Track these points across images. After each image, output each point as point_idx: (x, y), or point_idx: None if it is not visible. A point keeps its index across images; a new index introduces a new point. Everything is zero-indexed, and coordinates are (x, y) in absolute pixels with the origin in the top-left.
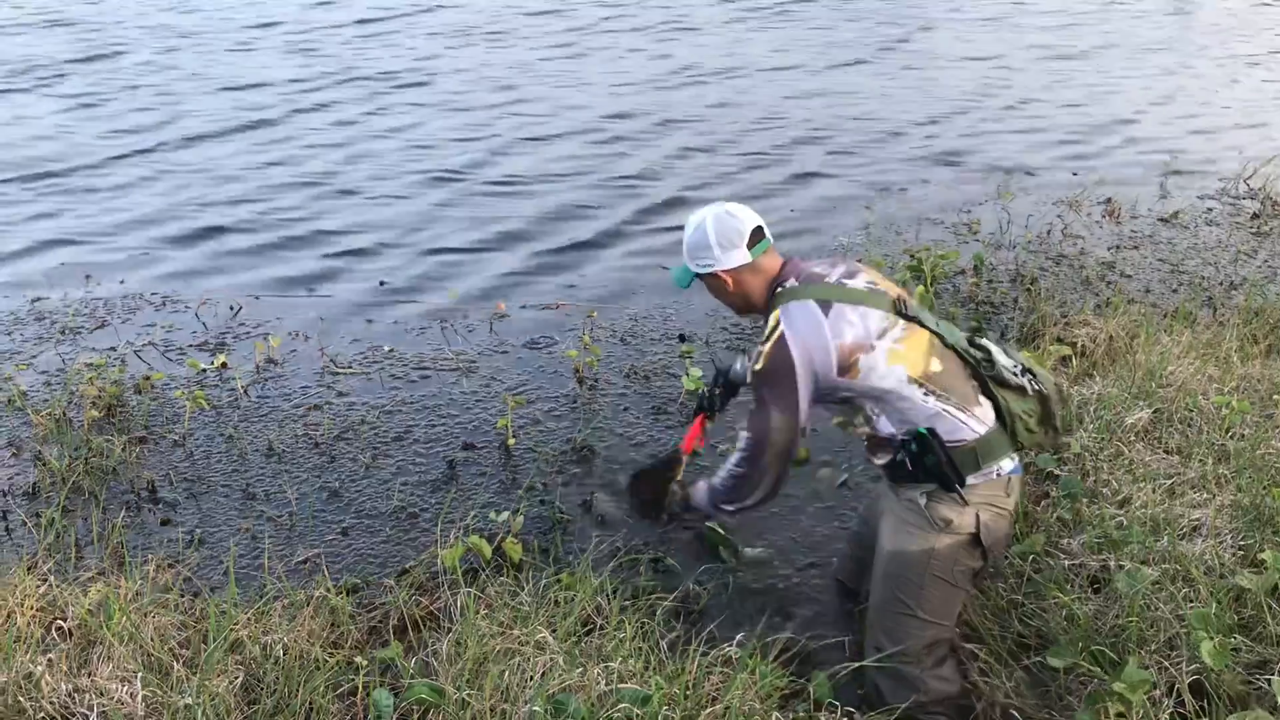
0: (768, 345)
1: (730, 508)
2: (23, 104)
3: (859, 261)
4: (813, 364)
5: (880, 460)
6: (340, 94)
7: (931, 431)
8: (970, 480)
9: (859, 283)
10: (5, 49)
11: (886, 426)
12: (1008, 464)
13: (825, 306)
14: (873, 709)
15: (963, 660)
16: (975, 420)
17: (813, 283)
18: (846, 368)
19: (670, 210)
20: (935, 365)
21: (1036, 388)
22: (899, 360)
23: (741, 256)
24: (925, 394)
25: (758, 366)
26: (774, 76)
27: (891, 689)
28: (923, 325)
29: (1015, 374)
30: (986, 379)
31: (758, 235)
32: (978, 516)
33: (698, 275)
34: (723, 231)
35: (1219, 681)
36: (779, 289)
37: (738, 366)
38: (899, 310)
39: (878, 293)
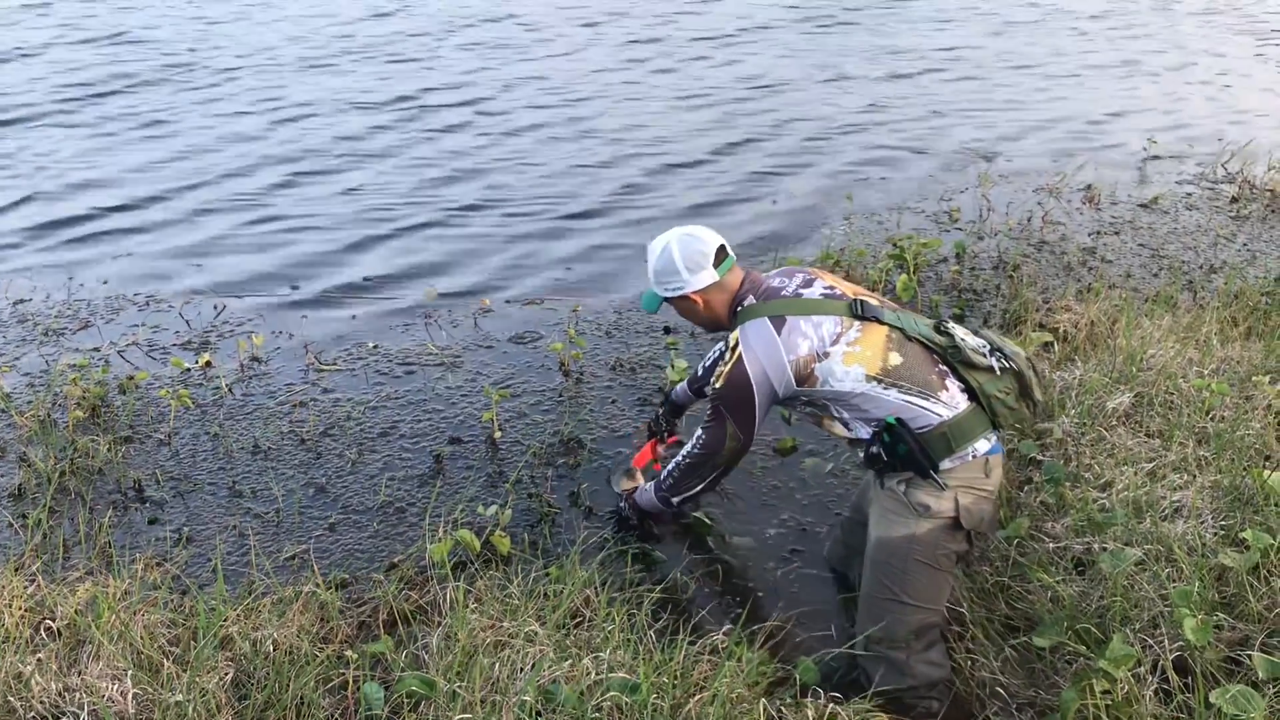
0: (727, 367)
1: (676, 498)
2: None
3: (817, 266)
4: (770, 382)
5: (859, 453)
6: (318, 86)
7: (900, 421)
8: (945, 465)
9: (815, 291)
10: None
11: (855, 424)
12: (983, 445)
13: (779, 323)
14: (862, 694)
15: (951, 644)
16: (941, 405)
17: (770, 298)
18: (804, 378)
19: (652, 204)
20: (894, 359)
21: (1005, 365)
22: (855, 361)
23: (710, 276)
24: (886, 388)
25: (718, 385)
26: (751, 70)
27: (880, 674)
28: (881, 322)
29: (983, 354)
30: (955, 363)
31: (722, 254)
32: (956, 500)
33: (666, 299)
34: (688, 255)
35: (1201, 658)
36: (739, 308)
37: (678, 390)
38: (854, 312)
39: (833, 298)
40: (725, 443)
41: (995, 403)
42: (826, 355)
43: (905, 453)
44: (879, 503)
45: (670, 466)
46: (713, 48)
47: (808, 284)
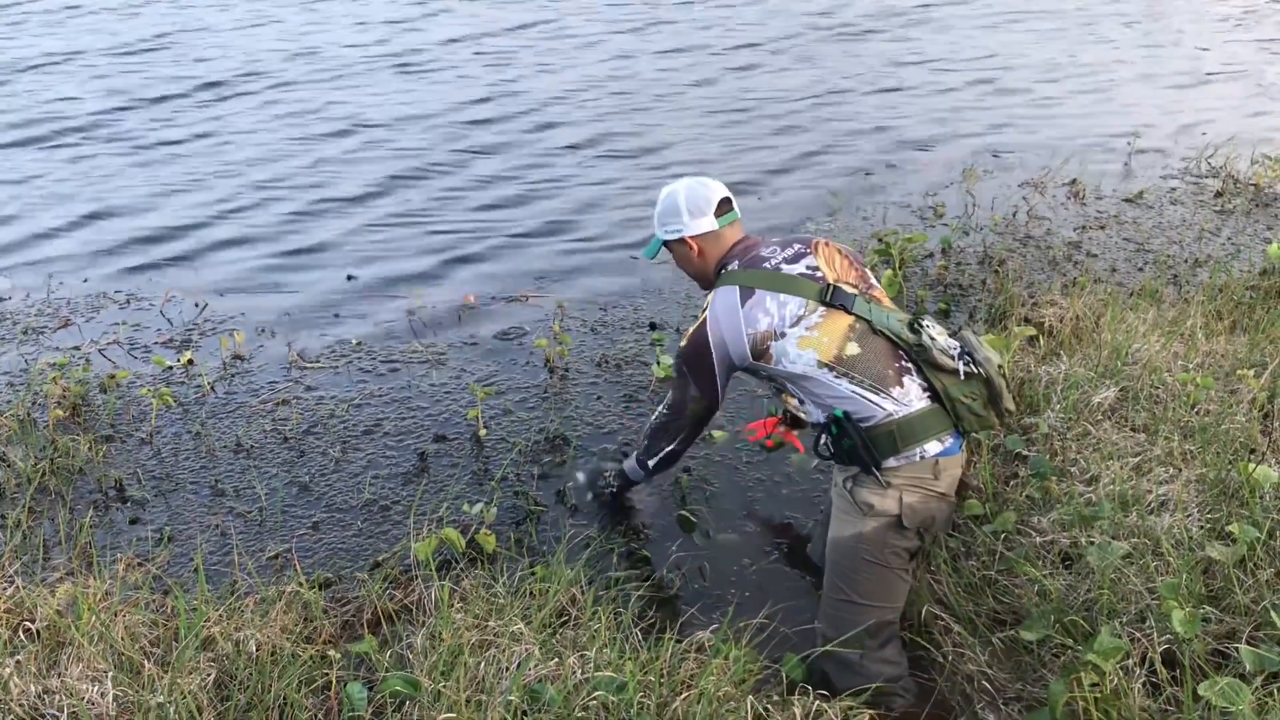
0: (693, 328)
1: (651, 460)
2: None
3: (821, 241)
4: (726, 349)
5: (806, 439)
6: (288, 92)
7: (847, 415)
8: (890, 463)
9: (797, 268)
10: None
11: (808, 405)
12: (934, 446)
13: (747, 294)
14: (823, 693)
15: (938, 638)
16: (891, 402)
17: (752, 267)
18: (759, 354)
19: (637, 203)
20: (852, 349)
21: (971, 370)
22: (809, 346)
23: (708, 224)
24: (836, 377)
25: (682, 344)
26: (735, 63)
27: (837, 674)
28: (848, 311)
29: (950, 356)
30: (920, 363)
31: (725, 206)
32: (900, 499)
33: (665, 244)
34: (692, 199)
35: (1189, 650)
36: (723, 270)
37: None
38: (823, 297)
39: (810, 279)
40: (688, 404)
41: (960, 406)
42: (783, 335)
43: (850, 447)
44: (834, 502)
45: (644, 429)
46: (712, 54)
47: (795, 259)
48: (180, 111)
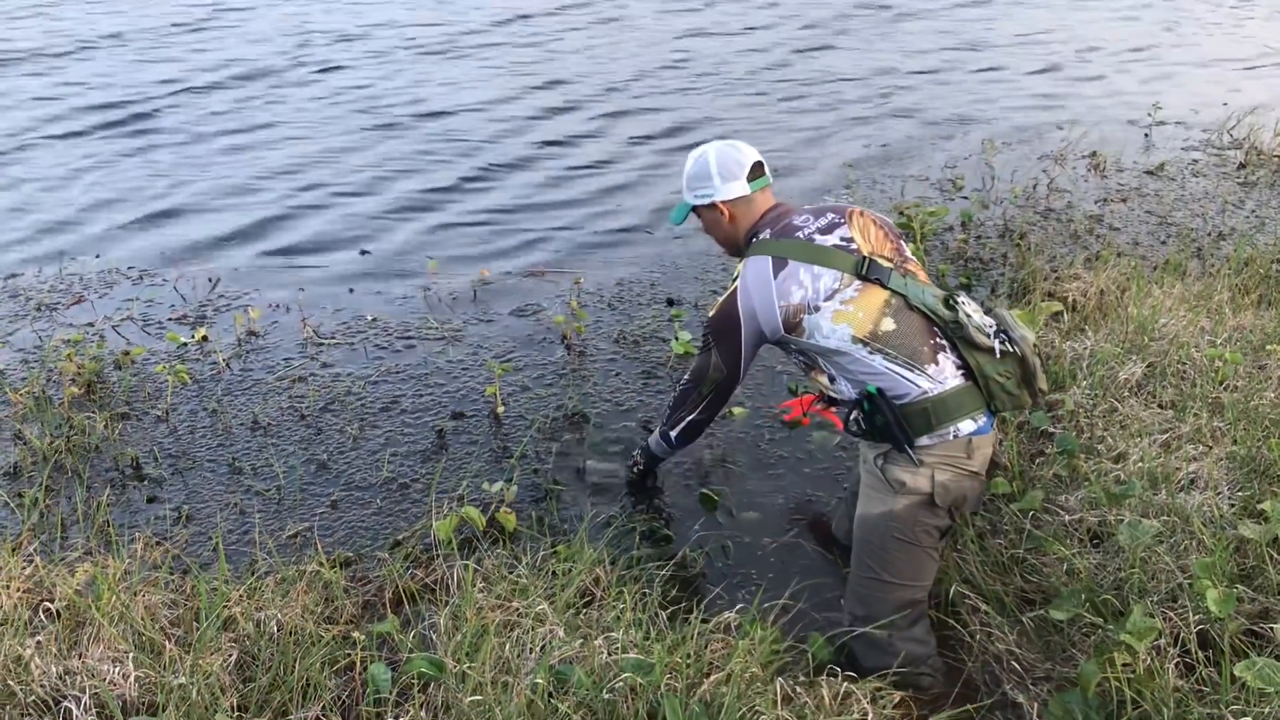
0: (723, 297)
1: (672, 432)
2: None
3: (856, 210)
4: (757, 321)
5: (840, 414)
6: (333, 56)
7: (880, 391)
8: (923, 441)
9: (830, 239)
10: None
11: (840, 381)
12: (968, 425)
13: (780, 265)
14: (850, 674)
15: (965, 618)
16: (926, 379)
17: (784, 237)
18: (792, 326)
19: (653, 177)
20: (888, 325)
21: (1007, 349)
22: (844, 320)
23: (740, 189)
24: (871, 352)
25: (711, 314)
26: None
27: (864, 653)
28: (884, 285)
29: (986, 334)
30: (956, 340)
31: (758, 170)
32: (933, 477)
33: (695, 209)
34: (724, 162)
35: (1224, 630)
36: (754, 238)
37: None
38: (859, 271)
39: (844, 252)
40: (708, 372)
41: (994, 385)
42: (816, 309)
43: (882, 424)
44: (862, 479)
45: (670, 398)
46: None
47: (828, 229)
48: (202, 95)
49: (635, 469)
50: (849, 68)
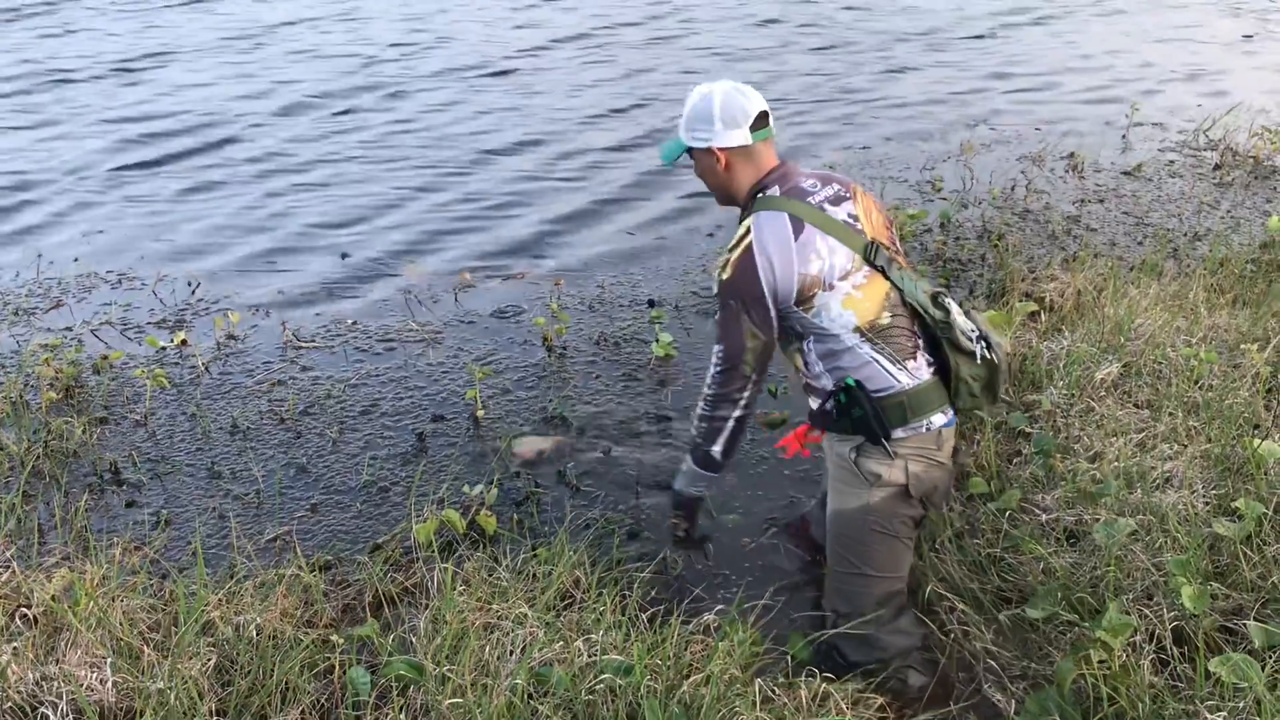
0: (735, 254)
1: (715, 447)
2: None
3: (859, 187)
4: (776, 281)
5: (811, 402)
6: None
7: (859, 384)
8: (899, 434)
9: (840, 212)
10: None
11: (818, 368)
12: (939, 418)
13: (798, 227)
14: (836, 670)
15: (943, 617)
16: (905, 374)
17: (794, 198)
18: (803, 300)
19: (631, 179)
20: (885, 319)
21: (986, 356)
22: (852, 307)
23: (742, 137)
24: (862, 341)
25: (725, 275)
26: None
27: (851, 649)
28: (886, 276)
29: (970, 339)
30: (943, 339)
31: (762, 120)
32: (906, 469)
33: (689, 151)
34: (728, 107)
35: (1199, 627)
36: (760, 194)
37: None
38: (867, 255)
39: (854, 231)
40: (745, 346)
41: (963, 386)
42: (831, 288)
43: (859, 417)
44: (832, 474)
45: (695, 415)
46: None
47: (836, 200)
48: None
49: (683, 530)
50: (831, 68)
